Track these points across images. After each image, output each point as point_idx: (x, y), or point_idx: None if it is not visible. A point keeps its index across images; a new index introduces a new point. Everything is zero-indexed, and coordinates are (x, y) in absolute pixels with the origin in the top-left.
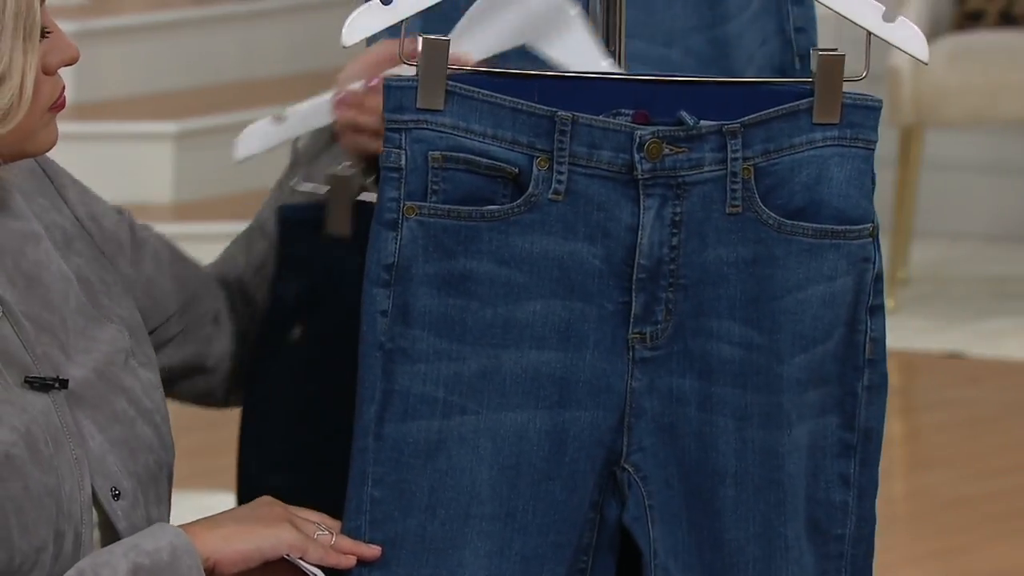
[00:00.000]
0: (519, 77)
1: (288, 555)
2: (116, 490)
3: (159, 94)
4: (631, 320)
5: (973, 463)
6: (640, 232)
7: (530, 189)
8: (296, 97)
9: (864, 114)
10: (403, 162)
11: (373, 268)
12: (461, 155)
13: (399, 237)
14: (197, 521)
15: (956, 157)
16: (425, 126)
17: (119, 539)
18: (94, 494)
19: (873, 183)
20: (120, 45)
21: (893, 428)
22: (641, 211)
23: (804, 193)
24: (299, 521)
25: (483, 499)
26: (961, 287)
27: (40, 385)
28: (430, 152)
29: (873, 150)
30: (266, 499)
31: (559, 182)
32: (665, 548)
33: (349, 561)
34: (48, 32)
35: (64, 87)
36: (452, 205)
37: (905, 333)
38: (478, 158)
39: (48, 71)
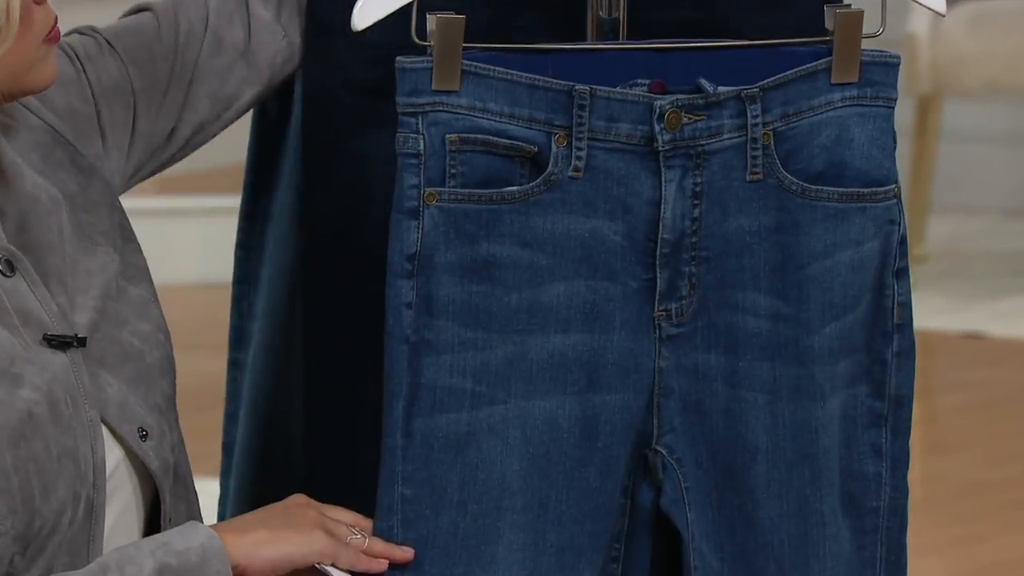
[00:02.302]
0: (533, 52)
1: (319, 564)
2: (143, 431)
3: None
4: (656, 297)
5: (991, 447)
6: (663, 205)
7: (549, 167)
8: None
9: (883, 71)
10: (421, 147)
11: (396, 259)
12: (479, 136)
13: (421, 225)
14: (227, 523)
15: (975, 128)
16: (442, 108)
17: (152, 480)
18: (123, 441)
19: (895, 142)
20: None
21: None
22: (663, 184)
23: (825, 156)
24: (331, 524)
25: (515, 491)
26: (980, 264)
27: (59, 343)
28: (447, 135)
29: (893, 108)
30: (298, 499)
31: (579, 158)
32: (699, 530)
33: (381, 565)
34: None
35: (56, 17)
36: (471, 189)
37: (921, 312)
38: (496, 138)
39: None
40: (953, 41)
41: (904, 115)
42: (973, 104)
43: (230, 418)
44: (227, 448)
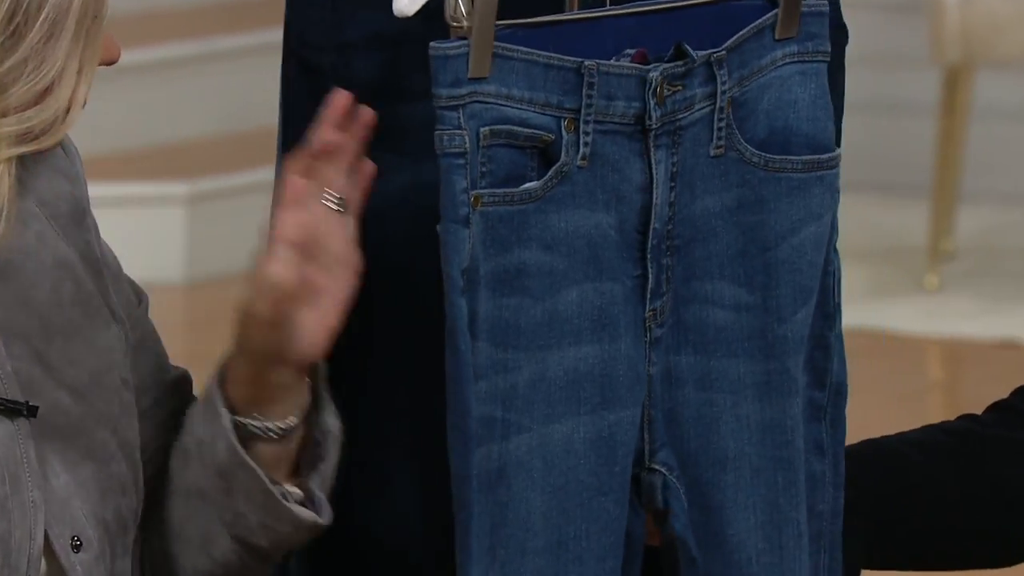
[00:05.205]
0: (535, 27)
1: None
2: (78, 540)
3: (166, 147)
4: (647, 296)
5: None
6: (655, 191)
7: (562, 158)
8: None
9: (818, 22)
10: (467, 144)
11: (454, 273)
12: (504, 127)
13: (471, 235)
14: None
15: (1012, 104)
16: (477, 99)
17: None
18: (48, 544)
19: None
20: (116, 88)
21: None
22: (653, 166)
23: (768, 121)
24: None
25: (536, 530)
26: (1016, 261)
27: (5, 409)
28: (481, 128)
29: (828, 62)
30: None
31: (585, 144)
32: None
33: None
34: None
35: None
36: (500, 188)
37: (949, 316)
38: (518, 128)
39: None
40: (986, 3)
41: (929, 89)
42: (1009, 76)
43: None
44: None
